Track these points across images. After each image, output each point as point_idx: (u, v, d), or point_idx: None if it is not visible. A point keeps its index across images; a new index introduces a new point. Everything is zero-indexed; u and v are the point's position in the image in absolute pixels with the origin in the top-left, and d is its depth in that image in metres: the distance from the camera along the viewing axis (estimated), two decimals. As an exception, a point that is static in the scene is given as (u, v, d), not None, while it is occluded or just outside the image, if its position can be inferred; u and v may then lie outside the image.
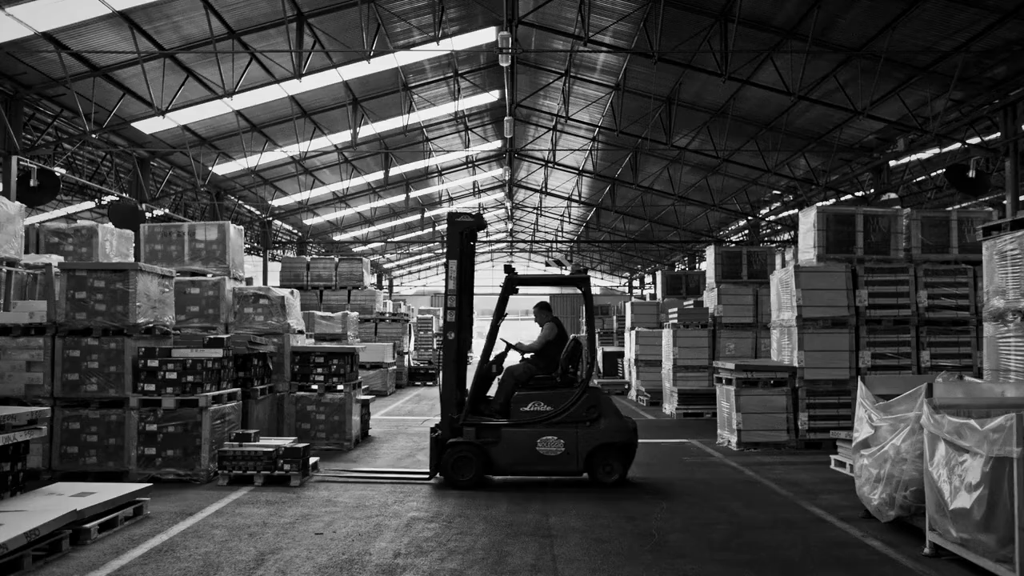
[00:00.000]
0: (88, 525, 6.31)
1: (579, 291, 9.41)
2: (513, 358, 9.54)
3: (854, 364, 11.45)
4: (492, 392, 9.31)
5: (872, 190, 20.98)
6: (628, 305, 22.61)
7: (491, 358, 9.20)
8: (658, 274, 27.23)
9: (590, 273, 61.45)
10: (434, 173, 30.90)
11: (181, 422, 8.86)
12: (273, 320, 11.90)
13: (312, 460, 9.37)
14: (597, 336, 9.48)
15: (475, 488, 8.59)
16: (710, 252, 17.08)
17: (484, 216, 9.59)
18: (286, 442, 9.22)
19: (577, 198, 34.82)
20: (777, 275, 12.42)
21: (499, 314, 9.17)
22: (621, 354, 23.73)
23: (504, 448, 8.68)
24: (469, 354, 9.56)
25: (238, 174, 23.86)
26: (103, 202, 22.95)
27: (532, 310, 9.75)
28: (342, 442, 11.52)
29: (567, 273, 9.56)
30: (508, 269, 9.35)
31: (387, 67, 19.24)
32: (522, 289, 9.34)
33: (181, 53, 15.54)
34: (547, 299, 9.79)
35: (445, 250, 9.23)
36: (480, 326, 13.60)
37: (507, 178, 33.61)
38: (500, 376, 9.23)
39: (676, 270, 38.59)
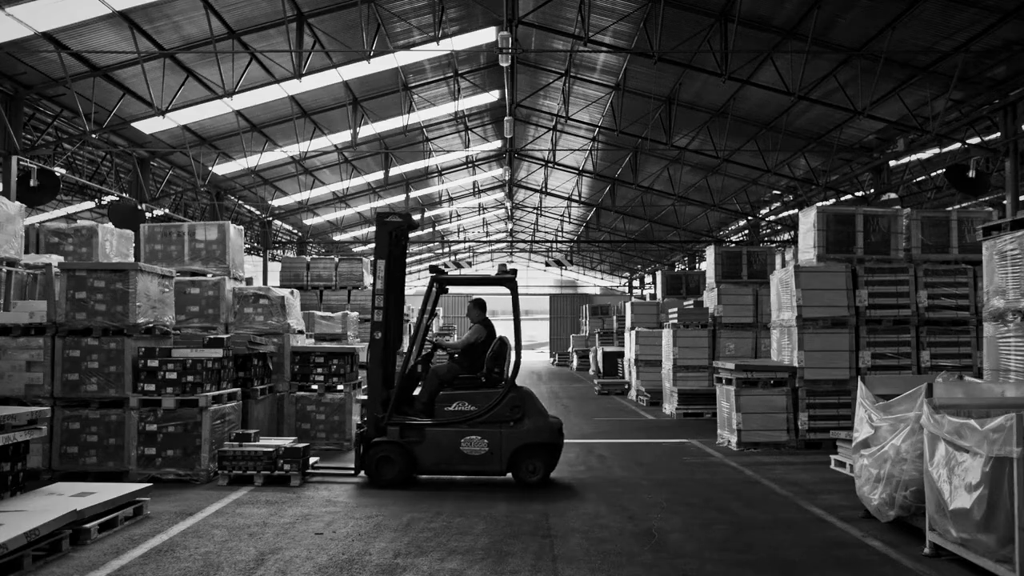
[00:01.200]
0: (88, 525, 6.31)
1: (508, 291, 9.29)
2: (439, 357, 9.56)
3: (854, 364, 11.44)
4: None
5: (872, 190, 20.97)
6: (628, 305, 22.62)
7: (418, 357, 9.25)
8: (658, 274, 27.22)
9: (588, 273, 60.73)
10: (434, 173, 30.90)
11: (181, 422, 8.86)
12: (273, 320, 11.90)
13: (312, 460, 9.39)
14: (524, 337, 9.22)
15: (399, 488, 8.59)
16: (710, 252, 17.08)
17: (413, 216, 9.55)
18: (286, 442, 9.23)
19: (577, 198, 34.82)
20: (777, 275, 12.42)
21: (426, 313, 9.23)
22: (621, 354, 23.73)
23: (428, 447, 8.70)
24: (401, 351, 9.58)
25: (238, 174, 23.86)
26: (103, 202, 22.95)
27: (468, 305, 9.73)
28: (342, 442, 11.52)
29: (495, 274, 9.47)
30: (434, 269, 9.37)
31: (387, 67, 19.23)
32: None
33: (181, 53, 15.54)
34: (483, 297, 9.74)
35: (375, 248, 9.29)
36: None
37: (507, 178, 33.61)
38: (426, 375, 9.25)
39: (676, 270, 38.60)
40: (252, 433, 9.33)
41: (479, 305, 9.57)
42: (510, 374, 8.98)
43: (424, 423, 8.77)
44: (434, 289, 9.37)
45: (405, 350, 9.59)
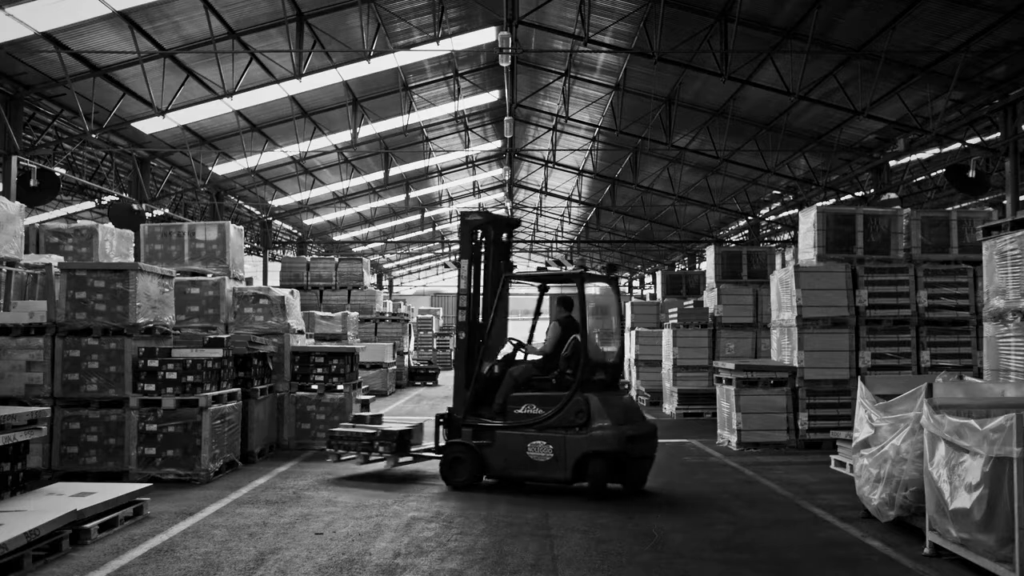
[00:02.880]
0: (88, 525, 6.31)
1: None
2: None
3: (854, 364, 11.44)
4: None
5: (872, 190, 20.97)
6: (628, 305, 22.61)
7: (494, 359, 9.01)
8: (658, 274, 27.24)
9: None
10: (434, 173, 30.89)
11: (181, 422, 8.85)
12: (273, 320, 11.90)
13: (424, 446, 9.52)
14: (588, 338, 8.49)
15: (470, 489, 8.49)
16: (710, 252, 17.07)
17: (495, 212, 9.41)
18: (400, 426, 9.46)
19: (577, 198, 34.81)
20: (777, 275, 12.42)
21: (498, 312, 8.95)
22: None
23: (497, 450, 8.45)
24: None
25: (238, 174, 23.85)
26: (103, 202, 22.95)
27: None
28: (342, 442, 11.51)
29: (562, 271, 9.26)
30: (507, 267, 9.19)
31: (387, 67, 19.22)
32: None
33: (181, 53, 15.53)
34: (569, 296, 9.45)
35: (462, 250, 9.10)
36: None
37: (507, 178, 33.60)
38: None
39: (676, 270, 38.58)
40: (369, 416, 9.61)
41: (562, 303, 9.10)
42: (578, 377, 8.39)
43: (494, 425, 8.53)
44: (508, 287, 9.06)
45: (507, 351, 9.31)
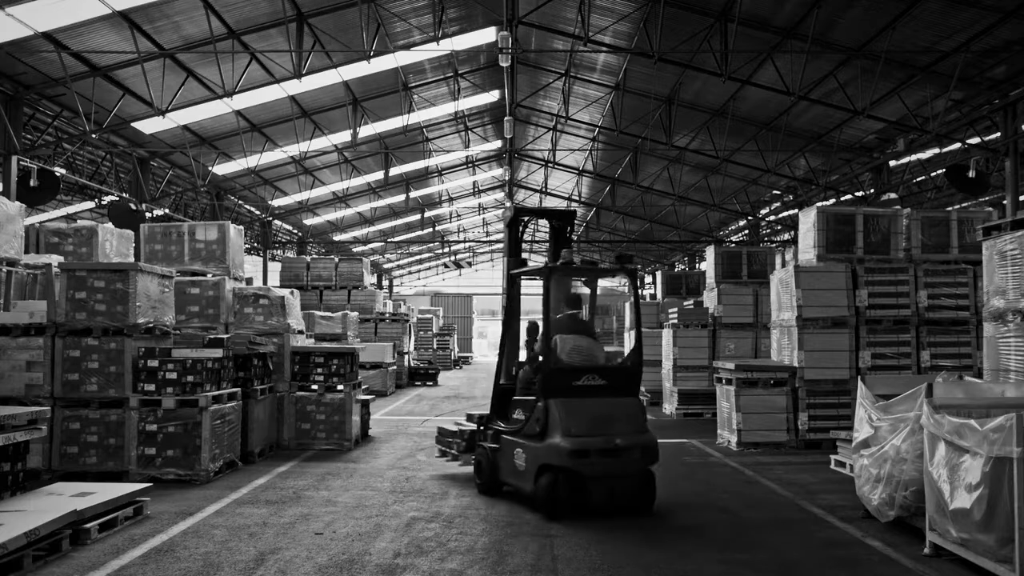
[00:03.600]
0: (88, 525, 6.31)
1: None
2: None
3: (854, 364, 11.44)
4: None
5: (872, 190, 20.98)
6: (627, 305, 22.61)
7: (514, 360, 8.76)
8: (658, 274, 27.24)
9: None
10: (434, 173, 30.90)
11: (181, 422, 8.86)
12: (273, 320, 11.90)
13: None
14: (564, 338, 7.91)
15: (487, 494, 8.35)
16: (710, 252, 17.08)
17: (519, 204, 9.08)
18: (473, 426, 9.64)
19: (577, 198, 34.81)
20: (777, 275, 12.42)
21: (512, 314, 8.74)
22: (621, 354, 23.71)
23: (502, 456, 8.16)
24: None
25: (238, 174, 23.86)
26: (103, 202, 22.95)
27: None
28: (342, 442, 11.51)
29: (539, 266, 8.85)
30: (516, 264, 8.81)
31: (387, 67, 19.23)
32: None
33: (181, 53, 15.54)
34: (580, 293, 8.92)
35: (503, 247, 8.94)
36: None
37: (507, 178, 33.60)
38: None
39: (676, 270, 38.58)
40: (477, 415, 9.49)
41: (567, 300, 8.54)
42: (540, 381, 7.73)
43: (500, 429, 8.26)
44: (516, 284, 8.78)
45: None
